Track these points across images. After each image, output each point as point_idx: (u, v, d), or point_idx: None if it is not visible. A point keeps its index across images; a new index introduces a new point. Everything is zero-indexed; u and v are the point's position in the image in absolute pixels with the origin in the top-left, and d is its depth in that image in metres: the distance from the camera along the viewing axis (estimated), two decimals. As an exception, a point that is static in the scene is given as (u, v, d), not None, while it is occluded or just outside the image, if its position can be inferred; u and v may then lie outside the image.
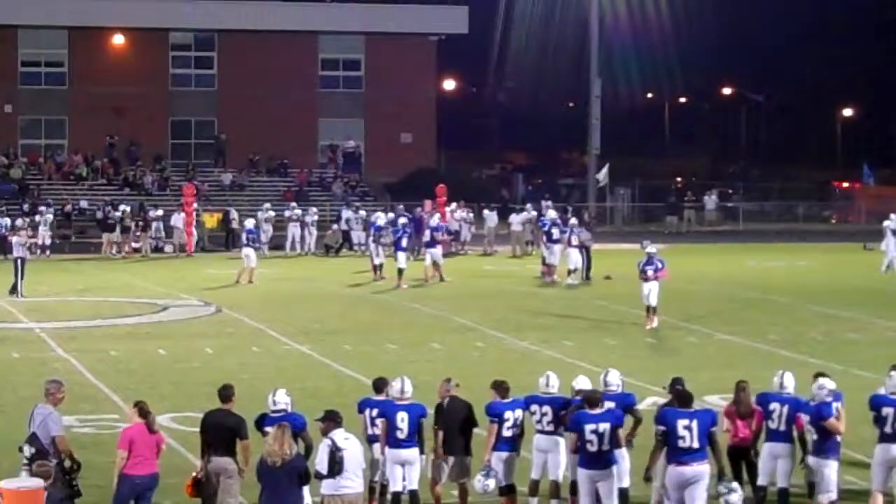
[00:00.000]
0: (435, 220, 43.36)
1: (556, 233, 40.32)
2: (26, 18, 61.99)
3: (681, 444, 14.56)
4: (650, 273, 30.00)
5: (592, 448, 14.85)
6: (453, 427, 15.71)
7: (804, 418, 15.60)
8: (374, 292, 37.49)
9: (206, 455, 15.05)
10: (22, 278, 36.06)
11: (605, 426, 14.86)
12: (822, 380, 15.63)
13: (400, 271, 38.36)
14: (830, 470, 15.27)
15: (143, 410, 14.83)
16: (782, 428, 15.61)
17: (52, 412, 14.80)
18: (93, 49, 63.23)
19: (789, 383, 15.80)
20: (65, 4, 61.84)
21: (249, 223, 41.62)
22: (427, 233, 41.23)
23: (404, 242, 38.87)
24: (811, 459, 15.43)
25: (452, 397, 15.91)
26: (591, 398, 15.17)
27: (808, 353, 26.26)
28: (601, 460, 14.90)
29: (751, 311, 33.72)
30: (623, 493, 15.49)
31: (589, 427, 14.85)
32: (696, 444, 14.54)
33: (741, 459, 16.05)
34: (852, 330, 30.34)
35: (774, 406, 15.68)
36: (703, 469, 14.58)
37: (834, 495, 15.27)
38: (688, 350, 27.66)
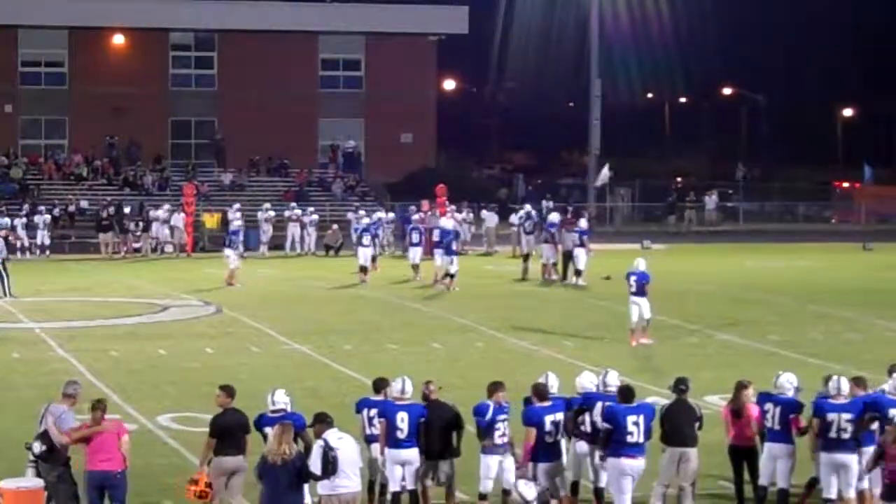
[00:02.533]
0: (416, 218, 43.55)
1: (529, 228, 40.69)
2: (26, 18, 61.93)
3: (629, 439, 15.01)
4: (635, 287, 27.97)
5: (549, 439, 15.18)
6: (435, 430, 15.62)
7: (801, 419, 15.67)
8: (375, 292, 37.48)
9: (209, 457, 15.04)
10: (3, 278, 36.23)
11: (559, 416, 15.25)
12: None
13: (447, 274, 37.98)
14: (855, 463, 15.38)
15: (94, 408, 14.86)
16: (777, 428, 15.64)
17: (66, 410, 14.91)
18: (93, 49, 63.20)
19: (785, 383, 15.83)
20: (65, 4, 61.78)
21: (235, 225, 41.46)
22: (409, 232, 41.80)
23: (454, 246, 38.78)
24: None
25: (433, 400, 15.85)
26: (540, 391, 15.43)
27: (808, 353, 26.27)
28: (555, 451, 15.27)
29: (751, 311, 33.72)
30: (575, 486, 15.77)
31: (549, 418, 15.17)
32: (641, 439, 15.06)
33: (742, 459, 16.05)
34: (852, 330, 30.35)
35: (768, 406, 15.75)
36: (643, 462, 15.15)
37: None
38: (688, 350, 27.66)
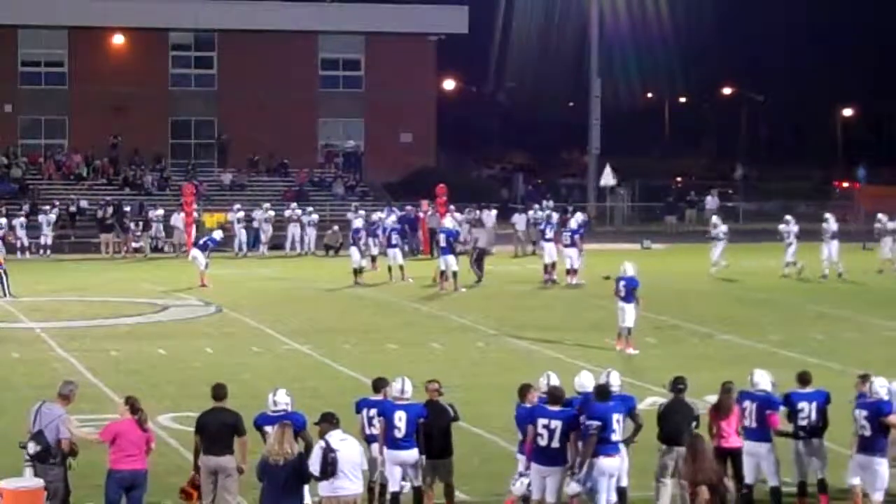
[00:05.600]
0: (390, 221, 43.49)
1: (548, 232, 40.42)
2: (26, 18, 61.95)
3: (612, 437, 15.01)
4: (623, 292, 27.46)
5: (542, 442, 15.02)
6: (440, 428, 15.64)
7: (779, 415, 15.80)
8: (375, 292, 37.48)
9: (199, 455, 15.06)
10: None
11: (556, 423, 14.98)
12: (877, 379, 15.77)
13: (454, 273, 37.69)
14: (883, 468, 15.36)
15: (133, 407, 14.80)
16: (754, 426, 15.69)
17: (63, 414, 14.84)
18: (93, 49, 63.21)
19: (760, 381, 15.87)
20: (65, 4, 61.82)
21: (217, 234, 41.27)
22: (379, 234, 42.08)
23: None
24: (860, 457, 15.43)
25: (435, 401, 15.84)
26: (554, 394, 15.32)
27: (808, 353, 26.27)
28: (549, 457, 15.03)
29: (751, 311, 33.73)
30: (621, 493, 15.52)
31: (542, 421, 15.01)
32: (619, 437, 15.08)
33: (727, 460, 15.96)
34: (852, 330, 30.35)
35: (746, 404, 15.79)
36: (618, 461, 15.11)
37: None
38: (688, 350, 27.66)
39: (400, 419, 15.30)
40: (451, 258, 37.79)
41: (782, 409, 15.84)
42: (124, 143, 61.50)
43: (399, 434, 15.30)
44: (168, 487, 16.18)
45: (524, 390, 15.64)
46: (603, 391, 15.38)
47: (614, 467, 15.06)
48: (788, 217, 43.06)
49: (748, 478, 15.79)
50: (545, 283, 39.03)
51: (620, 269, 28.01)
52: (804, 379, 16.18)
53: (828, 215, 42.14)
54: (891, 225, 43.45)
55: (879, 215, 44.25)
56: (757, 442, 15.65)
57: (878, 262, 43.24)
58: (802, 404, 15.83)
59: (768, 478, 15.71)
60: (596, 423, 14.91)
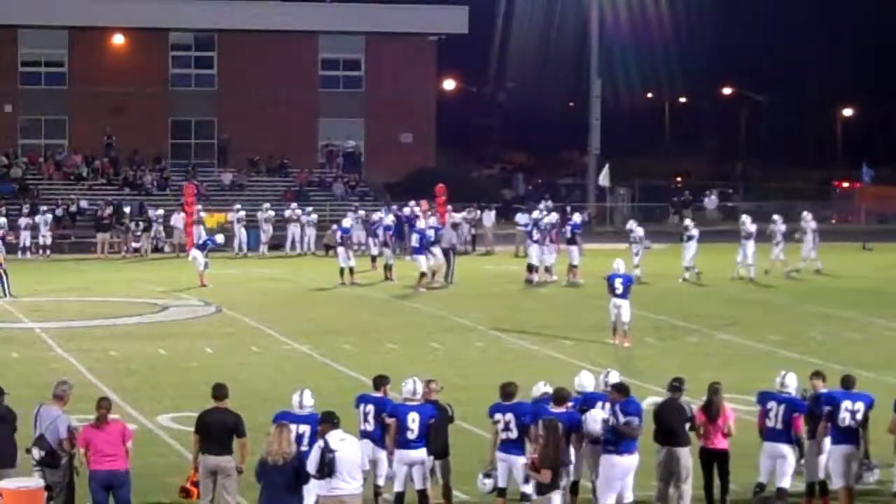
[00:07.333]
0: (389, 221, 43.54)
1: (535, 234, 40.54)
2: (26, 18, 61.94)
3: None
4: (620, 289, 27.91)
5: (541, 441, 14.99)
6: (439, 428, 15.67)
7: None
8: (374, 292, 37.47)
9: (199, 454, 15.06)
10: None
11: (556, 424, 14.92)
12: None
13: (425, 273, 38.09)
14: None
15: (98, 406, 14.86)
16: (779, 427, 15.65)
17: (60, 415, 14.90)
18: (93, 49, 63.21)
19: (790, 383, 15.85)
20: (65, 4, 61.81)
21: (219, 238, 41.45)
22: (380, 233, 42.29)
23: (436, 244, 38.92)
24: None
25: (434, 401, 15.82)
26: (559, 395, 15.34)
27: (808, 353, 26.27)
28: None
29: (751, 311, 33.72)
30: None
31: (543, 421, 14.96)
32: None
33: (713, 461, 15.96)
34: (852, 330, 30.36)
35: (771, 405, 15.76)
36: (635, 460, 15.19)
37: None
38: (688, 350, 27.66)
39: (413, 420, 15.31)
40: (420, 258, 38.09)
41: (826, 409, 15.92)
42: (124, 144, 61.45)
43: (412, 435, 15.31)
44: (167, 487, 16.19)
45: (511, 390, 15.57)
46: (622, 387, 15.46)
47: (631, 466, 15.11)
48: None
49: (763, 477, 15.79)
50: (545, 282, 39.12)
51: (613, 266, 28.40)
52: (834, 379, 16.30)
53: (744, 217, 42.19)
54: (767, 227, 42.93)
55: (774, 216, 43.47)
56: (779, 443, 15.64)
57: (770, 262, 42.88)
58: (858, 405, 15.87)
59: (779, 478, 15.67)
60: (636, 420, 15.08)
